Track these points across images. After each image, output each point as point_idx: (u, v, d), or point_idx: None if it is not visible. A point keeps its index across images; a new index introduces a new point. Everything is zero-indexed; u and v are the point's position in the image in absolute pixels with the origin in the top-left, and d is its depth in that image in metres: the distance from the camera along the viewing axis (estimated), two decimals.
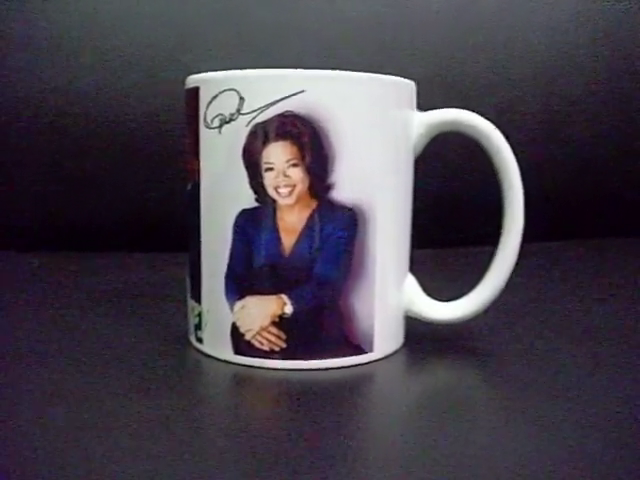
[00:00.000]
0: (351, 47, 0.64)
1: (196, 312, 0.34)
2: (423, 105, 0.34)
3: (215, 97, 0.31)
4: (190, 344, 0.35)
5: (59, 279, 0.51)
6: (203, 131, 0.32)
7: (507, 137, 0.34)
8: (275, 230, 0.31)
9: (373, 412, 0.28)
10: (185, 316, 0.37)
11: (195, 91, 0.32)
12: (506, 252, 0.34)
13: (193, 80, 0.32)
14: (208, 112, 0.31)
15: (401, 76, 0.32)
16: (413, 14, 0.65)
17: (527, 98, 0.67)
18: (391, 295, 0.33)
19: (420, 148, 0.34)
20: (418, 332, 0.36)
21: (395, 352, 0.34)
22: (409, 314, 0.35)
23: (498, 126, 0.34)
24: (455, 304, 0.35)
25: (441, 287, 0.39)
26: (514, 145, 0.35)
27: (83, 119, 0.62)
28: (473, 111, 0.33)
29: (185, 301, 0.36)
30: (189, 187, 0.33)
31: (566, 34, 0.68)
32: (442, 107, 0.34)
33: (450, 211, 0.66)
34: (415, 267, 0.36)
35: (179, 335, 0.36)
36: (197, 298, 0.33)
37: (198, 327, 0.34)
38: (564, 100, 0.68)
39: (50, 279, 0.51)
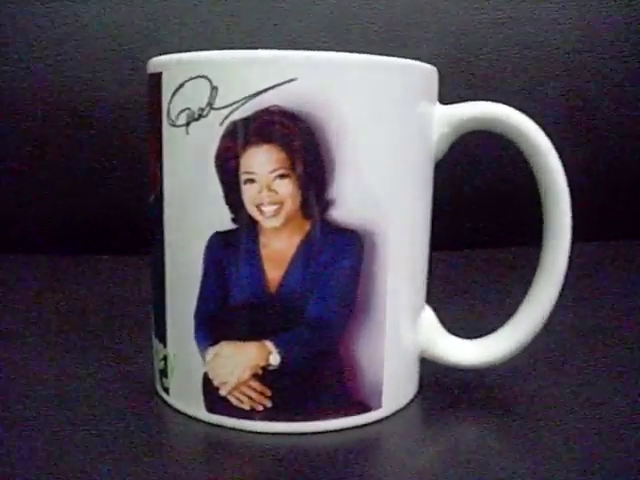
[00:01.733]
0: (353, 27, 0.56)
1: (161, 355, 0.27)
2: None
3: (181, 86, 0.24)
4: (156, 393, 0.28)
5: (21, 291, 0.44)
6: (167, 130, 0.25)
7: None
8: (257, 259, 0.24)
9: None
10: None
11: (157, 78, 0.25)
12: (548, 283, 0.27)
13: (155, 64, 0.25)
14: (172, 105, 0.24)
15: (410, 59, 0.25)
16: None
17: (550, 81, 0.59)
18: (405, 337, 0.26)
19: (442, 151, 0.27)
20: (435, 376, 0.29)
21: (407, 405, 0.27)
22: (425, 356, 0.28)
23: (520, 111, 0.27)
24: (482, 343, 0.28)
25: (460, 302, 0.32)
26: None
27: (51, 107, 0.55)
28: (492, 98, 0.26)
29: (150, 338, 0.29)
30: (151, 200, 0.27)
31: (595, 11, 0.61)
32: (456, 93, 0.27)
33: (466, 209, 0.59)
34: (430, 278, 0.29)
35: (145, 377, 0.30)
36: (162, 338, 0.27)
37: (164, 374, 0.27)
38: (590, 84, 0.61)
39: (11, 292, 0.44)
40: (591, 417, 0.27)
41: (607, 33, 0.61)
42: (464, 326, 0.30)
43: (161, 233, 0.26)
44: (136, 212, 0.47)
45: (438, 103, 0.26)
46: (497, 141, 0.28)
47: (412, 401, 0.28)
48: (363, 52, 0.24)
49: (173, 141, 0.24)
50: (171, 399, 0.27)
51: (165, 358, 0.27)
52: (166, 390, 0.27)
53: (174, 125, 0.24)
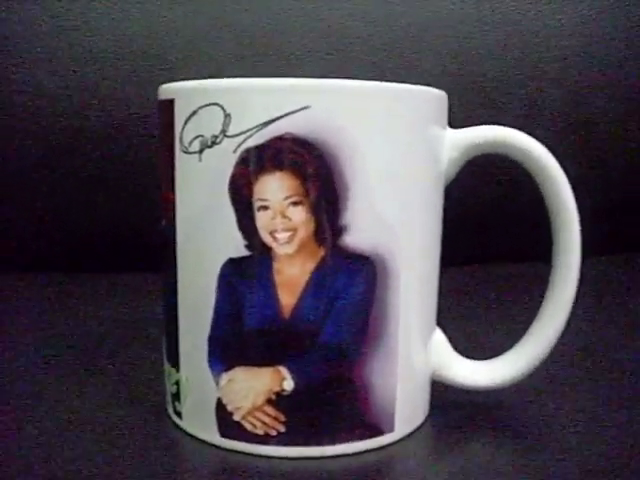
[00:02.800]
0: (355, 48, 0.56)
1: (174, 380, 0.27)
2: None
3: (194, 113, 0.24)
4: (168, 416, 0.28)
5: (26, 314, 0.44)
6: (179, 156, 0.25)
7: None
8: (271, 285, 0.24)
9: None
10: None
11: (169, 105, 0.25)
12: (559, 302, 0.27)
13: (167, 90, 0.25)
14: (185, 132, 0.24)
15: (413, 78, 0.25)
16: (427, 10, 0.58)
17: (554, 98, 0.60)
18: (416, 360, 0.26)
19: (452, 175, 0.27)
20: (447, 398, 0.29)
21: (419, 428, 0.27)
22: (437, 379, 0.28)
23: (523, 128, 0.27)
24: (494, 365, 0.28)
25: (469, 321, 0.33)
26: None
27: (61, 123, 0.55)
28: (493, 114, 0.27)
29: (162, 361, 0.29)
30: (163, 225, 0.27)
31: (597, 27, 0.61)
32: (461, 111, 0.28)
33: (475, 225, 0.59)
34: (440, 297, 0.29)
35: (157, 400, 0.30)
36: (175, 363, 0.27)
37: (176, 398, 0.27)
38: (594, 100, 0.61)
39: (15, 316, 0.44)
40: (604, 440, 0.27)
41: (608, 49, 0.61)
42: (474, 346, 0.30)
43: (174, 258, 0.26)
44: (147, 230, 0.47)
45: (448, 127, 0.27)
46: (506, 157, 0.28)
47: (423, 423, 0.28)
48: (365, 73, 0.24)
49: (186, 168, 0.25)
50: (184, 423, 0.27)
51: (178, 382, 0.27)
52: (178, 414, 0.27)
53: (187, 152, 0.24)
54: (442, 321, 0.29)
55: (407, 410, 0.26)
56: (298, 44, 0.56)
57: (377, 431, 0.25)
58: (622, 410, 0.29)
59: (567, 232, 0.26)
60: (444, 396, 0.29)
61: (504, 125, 0.27)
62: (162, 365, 0.28)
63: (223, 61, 0.54)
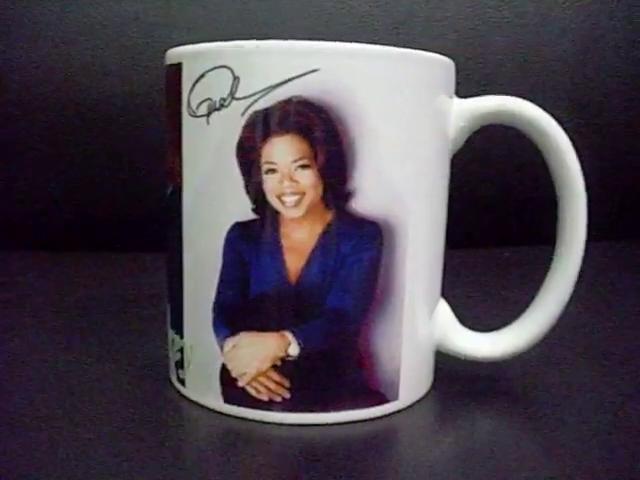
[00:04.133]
0: (360, 23, 0.56)
1: (177, 347, 0.27)
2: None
3: (202, 76, 0.24)
4: (171, 384, 0.28)
5: (32, 285, 0.44)
6: (186, 120, 0.25)
7: None
8: (278, 250, 0.24)
9: (399, 477, 0.21)
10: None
11: (177, 69, 0.25)
12: (563, 276, 0.27)
13: (174, 55, 0.25)
14: (193, 96, 0.24)
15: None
16: None
17: (557, 79, 0.60)
18: (421, 329, 0.26)
19: (459, 144, 0.27)
20: (450, 369, 0.29)
21: (423, 397, 0.27)
22: (441, 349, 0.28)
23: None
24: (497, 336, 0.28)
25: (475, 300, 0.33)
26: None
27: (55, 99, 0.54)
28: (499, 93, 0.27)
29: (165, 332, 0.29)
30: (169, 191, 0.26)
31: (601, 8, 0.61)
32: (463, 89, 0.28)
33: (482, 207, 0.59)
34: (445, 275, 0.29)
35: (160, 368, 0.29)
36: (178, 330, 0.27)
37: (180, 365, 0.27)
38: (598, 82, 0.61)
39: (22, 287, 0.44)
40: (607, 410, 0.27)
41: (613, 30, 0.61)
42: (479, 320, 0.30)
43: (179, 224, 0.26)
44: (152, 210, 0.46)
45: (455, 96, 0.27)
46: (513, 139, 0.28)
47: (427, 393, 0.28)
48: (375, 41, 0.24)
49: (193, 132, 0.24)
50: (187, 391, 0.27)
51: (182, 349, 0.26)
52: (182, 382, 0.27)
53: (194, 115, 0.24)
54: (447, 297, 0.29)
55: (411, 379, 0.26)
56: (311, 10, 0.56)
57: (381, 399, 0.25)
58: (622, 381, 0.29)
59: (573, 205, 0.26)
60: (448, 367, 0.29)
61: None
62: (166, 335, 0.28)
63: (227, 26, 0.54)
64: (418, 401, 0.27)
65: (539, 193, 0.52)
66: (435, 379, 0.29)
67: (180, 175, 0.25)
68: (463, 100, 0.27)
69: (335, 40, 0.23)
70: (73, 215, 0.56)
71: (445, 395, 0.28)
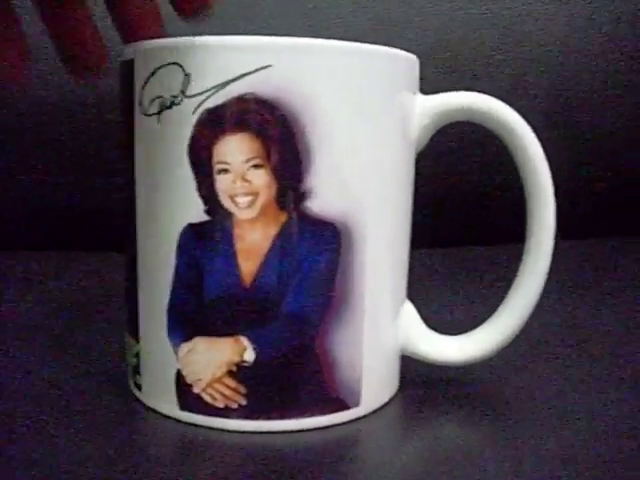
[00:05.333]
0: (338, 20, 0.56)
1: (134, 351, 0.26)
2: (420, 86, 0.27)
3: (153, 74, 0.23)
4: (130, 390, 0.27)
5: None
6: (138, 119, 0.24)
7: None
8: (231, 252, 0.23)
9: None
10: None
11: (129, 66, 0.24)
12: (532, 275, 0.26)
13: (127, 51, 0.25)
14: (145, 93, 0.23)
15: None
16: None
17: (534, 79, 0.59)
18: (384, 333, 0.26)
19: (423, 142, 0.26)
20: (416, 374, 0.29)
21: (387, 403, 0.27)
22: (406, 353, 0.27)
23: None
24: (465, 340, 0.27)
25: (443, 301, 0.32)
26: None
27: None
28: (478, 90, 0.26)
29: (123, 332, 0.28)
30: (125, 191, 0.26)
31: (580, 7, 0.60)
32: (440, 88, 0.27)
33: (449, 206, 0.59)
34: (412, 276, 0.28)
35: (118, 374, 0.29)
36: (134, 334, 0.26)
37: (136, 371, 0.26)
38: (575, 82, 0.60)
39: None
40: (574, 414, 0.26)
41: (592, 28, 0.61)
42: (446, 322, 0.29)
43: (133, 225, 0.25)
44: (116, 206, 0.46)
45: (419, 93, 0.26)
46: (480, 136, 0.27)
47: (392, 399, 0.27)
48: (343, 38, 0.23)
49: (145, 130, 0.24)
50: (144, 396, 0.26)
51: (138, 354, 0.26)
52: (139, 387, 0.26)
53: (146, 114, 0.23)
54: (414, 299, 0.28)
55: (374, 384, 0.25)
56: (273, 10, 0.55)
57: (342, 405, 0.25)
58: (592, 386, 0.29)
59: (540, 202, 0.26)
60: (414, 371, 0.28)
61: None
62: (124, 339, 0.28)
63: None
64: (382, 407, 0.26)
65: (509, 190, 0.51)
66: (401, 383, 0.28)
67: (133, 175, 0.25)
68: (427, 97, 0.26)
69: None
70: (31, 214, 0.55)
71: (410, 400, 0.27)
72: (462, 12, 0.58)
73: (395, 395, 0.27)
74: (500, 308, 0.27)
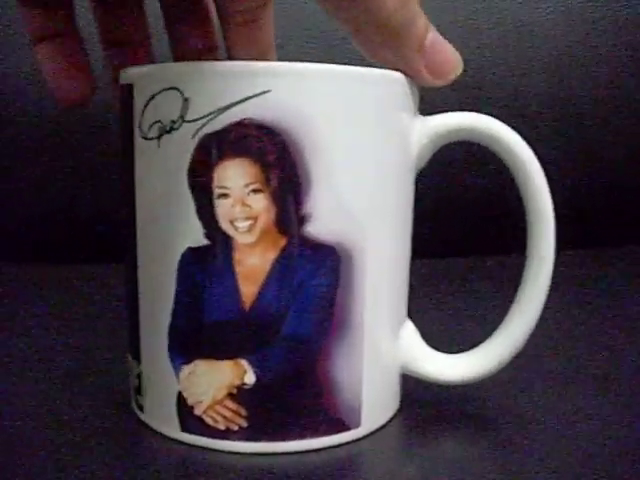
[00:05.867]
0: (329, 37, 0.56)
1: (135, 372, 0.26)
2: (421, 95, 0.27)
3: (152, 98, 0.23)
4: (132, 410, 0.27)
5: None
6: (138, 142, 0.24)
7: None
8: (231, 276, 0.23)
9: None
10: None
11: (129, 89, 0.24)
12: (532, 294, 0.26)
13: (126, 75, 0.25)
14: (144, 118, 0.24)
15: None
16: None
17: (538, 93, 0.59)
18: (384, 353, 0.26)
19: (422, 162, 0.26)
20: (418, 392, 0.29)
21: (387, 423, 0.27)
22: (406, 372, 0.27)
23: (503, 122, 0.26)
24: (465, 359, 0.27)
25: (443, 314, 0.32)
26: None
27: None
28: (475, 106, 0.26)
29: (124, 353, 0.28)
30: (124, 214, 0.26)
31: (583, 21, 0.60)
32: (439, 97, 0.27)
33: (450, 216, 0.59)
34: (412, 287, 0.28)
35: (121, 393, 0.29)
36: (135, 355, 0.26)
37: (138, 391, 0.26)
38: (580, 95, 0.60)
39: None
40: (578, 434, 0.26)
41: (596, 34, 0.60)
42: (447, 339, 0.29)
43: (134, 247, 0.25)
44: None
45: (418, 114, 0.26)
46: (480, 148, 0.27)
47: (393, 418, 0.27)
48: (343, 58, 0.23)
49: (145, 154, 0.24)
50: (145, 417, 0.26)
51: (139, 375, 0.26)
52: (140, 408, 0.26)
53: (146, 138, 0.24)
54: (414, 314, 0.28)
55: (374, 405, 0.26)
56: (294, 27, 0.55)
57: (342, 426, 0.25)
58: (595, 403, 0.29)
59: (541, 222, 0.26)
60: (415, 391, 0.28)
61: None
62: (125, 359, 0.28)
63: None
64: (383, 427, 0.26)
65: (510, 201, 0.51)
66: (401, 403, 0.28)
67: (133, 198, 0.25)
68: (426, 117, 0.26)
69: (301, 59, 0.23)
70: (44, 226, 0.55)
71: (411, 420, 0.27)
72: (463, 19, 0.58)
73: (396, 414, 0.27)
74: (501, 327, 0.27)
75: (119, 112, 0.25)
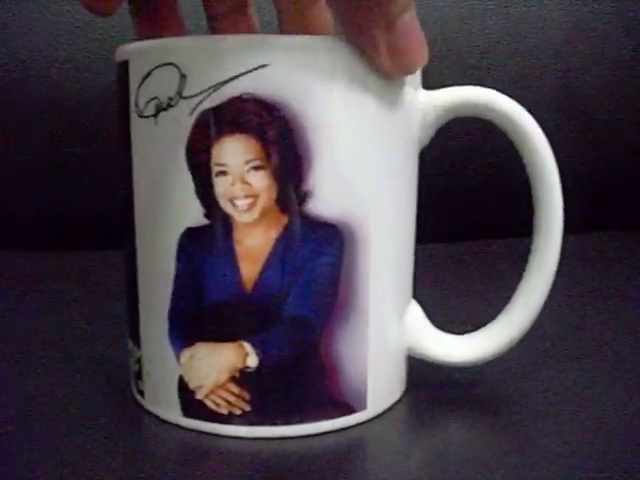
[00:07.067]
0: None
1: (135, 357, 0.26)
2: (424, 80, 0.26)
3: (148, 74, 0.23)
4: (132, 396, 0.27)
5: None
6: (135, 120, 0.23)
7: None
8: (231, 256, 0.22)
9: None
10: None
11: (124, 66, 0.24)
12: (540, 272, 0.26)
13: (122, 52, 0.24)
14: (140, 94, 0.23)
15: None
16: None
17: (542, 72, 0.58)
18: (390, 334, 0.25)
19: (427, 138, 0.26)
20: (424, 374, 0.28)
21: (394, 405, 0.26)
22: (412, 354, 0.27)
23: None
24: (472, 340, 0.27)
25: (449, 297, 0.31)
26: None
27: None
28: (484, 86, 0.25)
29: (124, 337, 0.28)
30: (121, 194, 0.25)
31: (589, 5, 0.59)
32: (446, 81, 0.26)
33: (455, 200, 0.58)
34: (417, 272, 0.28)
35: (122, 379, 0.28)
36: (135, 339, 0.25)
37: (138, 376, 0.26)
38: (584, 75, 0.59)
39: None
40: (584, 415, 0.25)
41: (601, 23, 0.59)
42: (453, 320, 0.29)
43: (132, 229, 0.24)
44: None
45: (421, 88, 0.25)
46: (487, 131, 0.26)
47: (399, 401, 0.27)
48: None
49: (141, 132, 0.23)
50: (146, 402, 0.26)
51: (139, 360, 0.25)
52: (141, 393, 0.26)
53: (142, 116, 0.23)
54: (420, 296, 0.28)
55: (380, 387, 0.25)
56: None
57: (348, 409, 0.24)
58: (602, 386, 0.28)
59: (548, 200, 0.25)
60: (421, 372, 0.28)
61: None
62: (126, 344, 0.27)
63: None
64: (388, 409, 0.26)
65: (515, 184, 0.50)
66: (408, 384, 0.27)
67: (130, 178, 0.24)
68: (430, 92, 0.25)
69: None
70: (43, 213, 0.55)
71: (417, 402, 0.27)
72: (467, 3, 0.57)
73: (402, 397, 0.27)
74: (507, 309, 0.26)
75: (115, 89, 0.25)
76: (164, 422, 0.25)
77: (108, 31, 0.53)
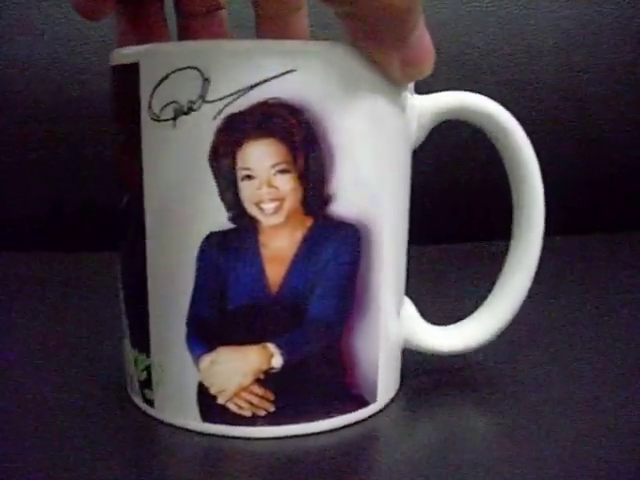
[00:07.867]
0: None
1: (143, 366, 0.25)
2: (420, 83, 0.27)
3: (165, 78, 0.22)
4: (134, 406, 0.26)
5: None
6: (147, 125, 0.23)
7: (518, 118, 0.27)
8: (257, 259, 0.23)
9: (394, 473, 0.21)
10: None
11: (133, 69, 0.23)
12: (522, 264, 0.28)
13: (129, 54, 0.23)
14: (155, 99, 0.22)
15: None
16: None
17: (541, 75, 0.58)
18: (392, 329, 0.26)
19: (419, 141, 0.27)
20: (413, 366, 0.29)
21: (394, 396, 0.27)
22: (408, 346, 0.28)
23: (507, 106, 0.27)
24: (460, 329, 0.28)
25: (436, 297, 0.33)
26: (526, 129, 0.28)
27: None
28: (479, 91, 0.27)
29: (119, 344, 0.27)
30: (124, 201, 0.25)
31: (587, 3, 0.61)
32: (441, 84, 0.28)
33: (444, 202, 0.58)
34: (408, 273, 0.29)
35: (119, 386, 0.27)
36: (143, 347, 0.25)
37: (147, 385, 0.25)
38: (584, 78, 0.60)
39: None
40: (575, 396, 0.28)
41: (599, 24, 0.61)
42: (440, 314, 0.30)
43: (141, 237, 0.24)
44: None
45: (415, 93, 0.26)
46: (476, 133, 0.28)
47: (398, 394, 0.28)
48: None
49: (156, 137, 0.23)
50: (157, 412, 0.25)
51: (148, 368, 0.25)
52: (150, 402, 0.25)
53: (157, 120, 0.22)
54: (409, 294, 0.29)
55: (387, 379, 0.26)
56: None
57: (362, 402, 0.25)
58: (592, 368, 0.30)
59: (531, 204, 0.27)
60: (412, 363, 0.29)
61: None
62: (122, 353, 0.26)
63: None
64: (391, 400, 0.27)
65: (493, 189, 0.51)
66: (402, 376, 0.29)
67: (140, 183, 0.23)
68: (423, 97, 0.27)
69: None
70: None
71: (414, 392, 0.28)
72: (467, 6, 0.58)
73: (399, 388, 0.28)
74: (492, 295, 0.28)
75: (114, 93, 0.24)
76: (177, 429, 0.24)
77: (108, 32, 0.51)
